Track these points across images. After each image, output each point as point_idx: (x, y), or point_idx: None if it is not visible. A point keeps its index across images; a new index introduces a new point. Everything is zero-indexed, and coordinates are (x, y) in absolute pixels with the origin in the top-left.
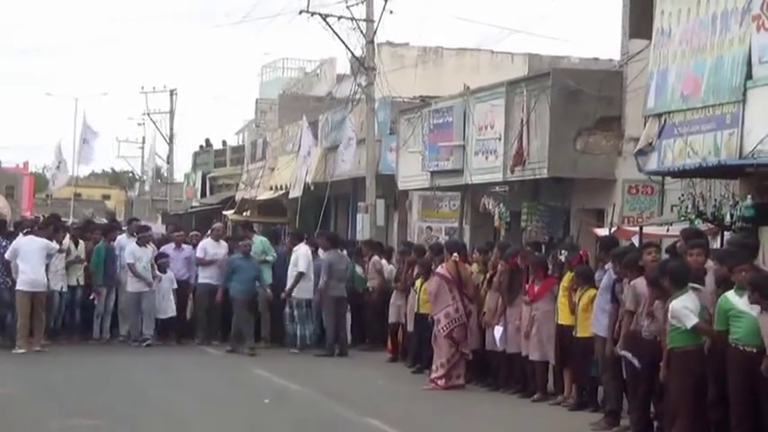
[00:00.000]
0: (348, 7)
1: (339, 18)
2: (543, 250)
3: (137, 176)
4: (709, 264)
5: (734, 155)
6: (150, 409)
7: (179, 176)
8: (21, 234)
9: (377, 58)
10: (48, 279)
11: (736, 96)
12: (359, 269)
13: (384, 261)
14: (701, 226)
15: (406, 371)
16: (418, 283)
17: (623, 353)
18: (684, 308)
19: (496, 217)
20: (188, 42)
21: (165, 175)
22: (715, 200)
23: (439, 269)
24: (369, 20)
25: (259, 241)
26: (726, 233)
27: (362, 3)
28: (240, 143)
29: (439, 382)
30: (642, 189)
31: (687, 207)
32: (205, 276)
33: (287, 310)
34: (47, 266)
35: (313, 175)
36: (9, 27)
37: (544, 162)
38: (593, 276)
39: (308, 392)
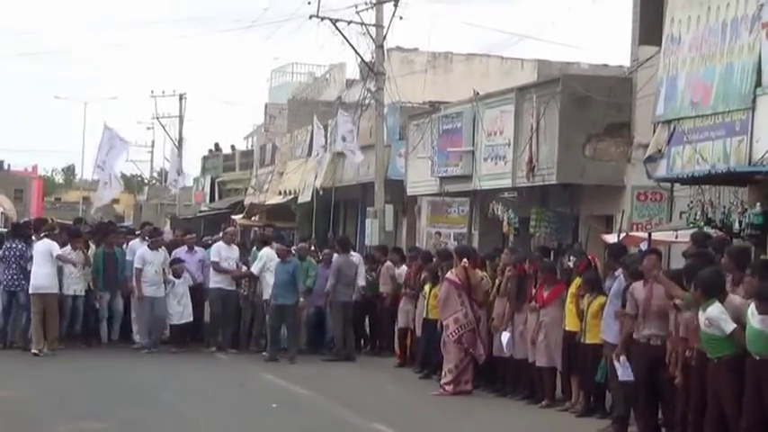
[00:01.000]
0: (358, 12)
1: (349, 23)
2: (552, 256)
3: (145, 180)
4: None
5: (743, 162)
6: (157, 413)
7: (188, 181)
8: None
9: (386, 63)
10: (61, 283)
11: (745, 103)
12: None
13: (398, 267)
14: (710, 233)
15: (413, 376)
16: (427, 288)
17: (617, 361)
18: (722, 313)
19: (505, 223)
20: (197, 47)
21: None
22: (724, 207)
23: (448, 275)
24: (378, 25)
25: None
26: (734, 240)
27: (372, 8)
28: (249, 148)
29: (447, 387)
30: (651, 196)
31: (696, 214)
32: (217, 281)
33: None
34: (60, 270)
35: (322, 180)
36: (19, 31)
37: (553, 168)
38: (600, 283)
39: (315, 397)
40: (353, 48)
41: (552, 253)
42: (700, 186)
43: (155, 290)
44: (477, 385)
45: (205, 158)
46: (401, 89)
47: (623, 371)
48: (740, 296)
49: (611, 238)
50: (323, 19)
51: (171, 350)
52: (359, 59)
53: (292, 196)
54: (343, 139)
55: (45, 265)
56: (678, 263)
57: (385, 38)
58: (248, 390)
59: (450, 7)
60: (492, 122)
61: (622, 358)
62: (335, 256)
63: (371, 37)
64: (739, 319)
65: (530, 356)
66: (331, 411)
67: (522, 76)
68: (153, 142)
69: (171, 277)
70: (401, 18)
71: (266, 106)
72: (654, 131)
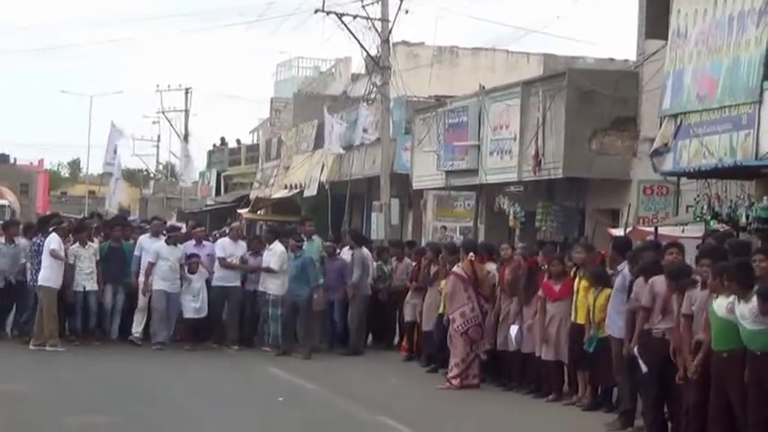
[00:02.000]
0: (363, 6)
1: (354, 17)
2: (558, 250)
3: (151, 174)
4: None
5: (750, 156)
6: (163, 406)
7: (194, 175)
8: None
9: (392, 57)
10: (72, 278)
11: (752, 97)
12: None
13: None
14: (717, 227)
15: (420, 370)
16: (443, 283)
17: (636, 353)
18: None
19: (511, 217)
20: (203, 41)
21: (180, 173)
22: (731, 201)
23: (455, 269)
24: (384, 19)
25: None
26: (741, 234)
27: (378, 2)
28: (255, 142)
29: (453, 381)
30: (657, 190)
31: (702, 208)
32: (220, 277)
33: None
34: (72, 265)
35: (328, 174)
36: (24, 26)
37: (559, 162)
38: (607, 277)
39: (321, 391)
40: (359, 42)
41: (558, 247)
42: (706, 180)
43: (169, 285)
44: (483, 379)
45: (211, 153)
46: (407, 83)
47: (640, 364)
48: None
49: (618, 232)
50: (328, 13)
51: (185, 347)
52: (364, 54)
53: (298, 190)
54: (365, 130)
55: (46, 258)
56: (689, 257)
57: (390, 32)
58: (254, 383)
59: (456, 1)
60: (498, 116)
61: (636, 351)
62: (353, 249)
63: (377, 31)
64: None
65: (537, 350)
66: (336, 405)
67: (527, 70)
68: (159, 136)
69: (187, 274)
70: (407, 12)
71: (272, 100)
72: (660, 125)
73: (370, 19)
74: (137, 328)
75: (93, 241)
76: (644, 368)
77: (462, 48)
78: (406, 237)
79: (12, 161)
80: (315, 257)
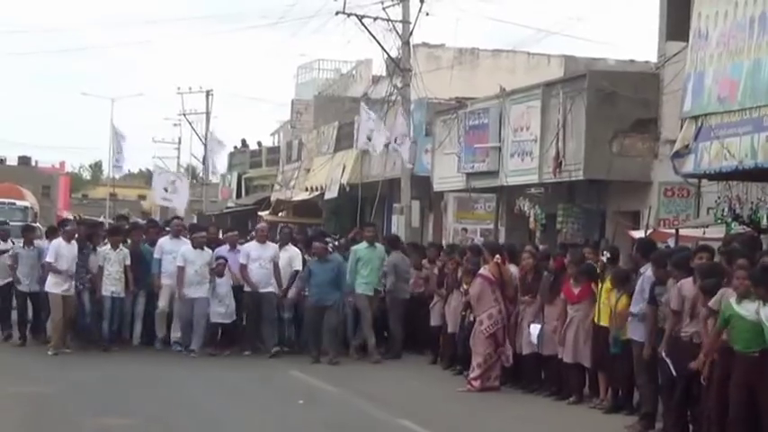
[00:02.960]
0: (384, 9)
1: (375, 19)
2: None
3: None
4: None
5: None
6: (183, 408)
7: (215, 177)
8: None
9: (413, 59)
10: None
11: None
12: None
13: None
14: (738, 229)
15: (443, 373)
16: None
17: (665, 357)
18: None
19: (532, 219)
20: (224, 43)
21: (201, 175)
22: (752, 203)
23: (482, 271)
24: (405, 21)
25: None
26: (762, 236)
27: (398, 4)
28: (276, 144)
29: (474, 383)
30: (678, 192)
31: (723, 210)
32: (250, 283)
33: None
34: (101, 269)
35: (348, 176)
36: (46, 28)
37: (580, 164)
38: (628, 279)
39: (342, 393)
40: (380, 44)
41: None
42: (727, 182)
43: (194, 291)
44: (503, 381)
45: (232, 155)
46: (427, 85)
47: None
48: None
49: (639, 234)
50: (349, 15)
51: (209, 352)
52: (385, 56)
53: (319, 192)
54: (396, 140)
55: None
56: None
57: (411, 34)
58: (274, 386)
59: (477, 3)
60: (518, 118)
61: (662, 354)
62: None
63: (398, 33)
64: None
65: (558, 352)
66: (357, 407)
67: (548, 71)
68: (179, 139)
69: (217, 278)
70: (427, 14)
71: (293, 102)
72: (681, 127)
73: (391, 21)
74: (160, 334)
75: (126, 245)
76: (673, 372)
77: (483, 49)
78: (427, 239)
79: (33, 164)
80: (376, 264)
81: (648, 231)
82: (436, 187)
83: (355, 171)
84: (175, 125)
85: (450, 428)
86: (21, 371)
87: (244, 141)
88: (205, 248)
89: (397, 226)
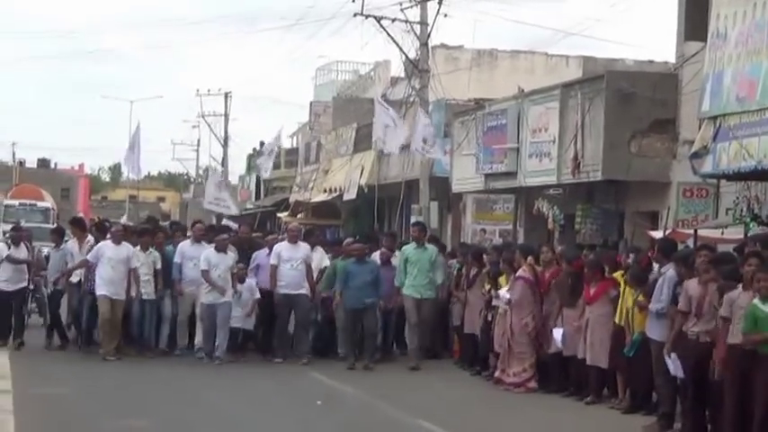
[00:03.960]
0: (402, 10)
1: (393, 20)
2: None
3: (191, 179)
4: None
5: None
6: (201, 411)
7: (234, 179)
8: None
9: (431, 60)
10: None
11: None
12: None
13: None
14: (756, 229)
15: (463, 374)
16: (487, 286)
17: (668, 358)
18: None
19: (550, 219)
20: (242, 45)
21: (220, 177)
22: None
23: (521, 273)
24: (423, 23)
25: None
26: None
27: (417, 5)
28: (294, 146)
29: (529, 384)
30: (697, 192)
31: (742, 210)
32: (281, 285)
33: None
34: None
35: (367, 177)
36: (65, 31)
37: (598, 165)
38: (646, 279)
39: (361, 395)
40: (398, 45)
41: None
42: (746, 182)
43: (217, 296)
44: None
45: (250, 156)
46: (446, 86)
47: (674, 367)
48: None
49: (657, 235)
50: (367, 17)
51: (231, 359)
52: (403, 57)
53: (337, 194)
54: (425, 141)
55: (99, 267)
56: None
57: (429, 35)
58: (294, 387)
59: (495, 4)
60: (537, 119)
61: (673, 355)
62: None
63: (416, 34)
64: None
65: (579, 353)
66: (377, 408)
67: (567, 72)
68: (198, 141)
69: (239, 286)
70: (445, 15)
71: (311, 104)
72: (699, 127)
73: (409, 22)
74: (182, 342)
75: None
76: (673, 371)
77: (501, 51)
78: (446, 240)
79: (52, 166)
80: (425, 266)
81: (667, 232)
82: (455, 188)
83: (373, 172)
84: (194, 127)
85: (466, 429)
86: (40, 373)
87: (262, 143)
88: (228, 252)
89: None
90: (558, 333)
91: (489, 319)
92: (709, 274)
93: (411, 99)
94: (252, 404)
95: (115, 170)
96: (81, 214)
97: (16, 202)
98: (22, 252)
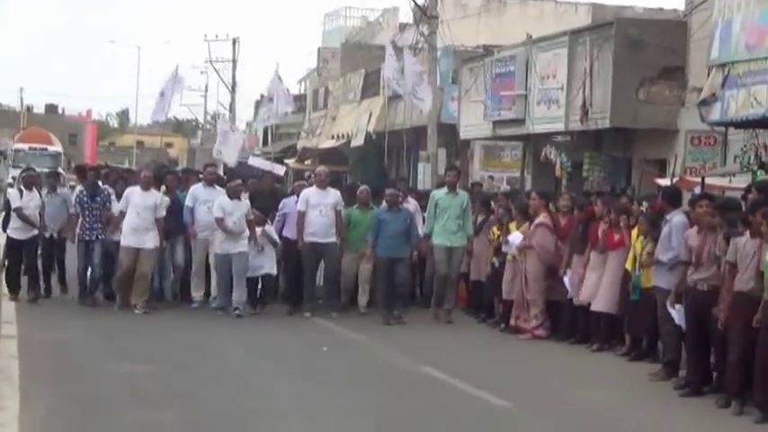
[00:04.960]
0: None
1: None
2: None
3: (199, 125)
4: None
5: None
6: (207, 357)
7: (241, 125)
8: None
9: (440, 6)
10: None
11: None
12: None
13: None
14: (764, 177)
15: (469, 320)
16: (496, 231)
17: (670, 308)
18: None
19: (558, 167)
20: None
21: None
22: None
23: (543, 219)
24: None
25: None
26: None
27: None
28: (302, 92)
29: (537, 332)
30: (705, 140)
31: (750, 158)
32: (309, 233)
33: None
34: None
35: (375, 124)
36: None
37: (606, 112)
38: (659, 225)
39: (367, 341)
40: None
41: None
42: (754, 130)
43: (232, 244)
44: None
45: (258, 103)
46: (454, 33)
47: (678, 316)
48: None
49: (665, 182)
50: None
51: (247, 312)
52: (412, 3)
53: (345, 140)
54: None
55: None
56: None
57: None
58: (300, 333)
59: None
60: (545, 66)
61: (677, 305)
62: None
63: None
64: None
65: (584, 299)
66: (381, 355)
67: (575, 19)
68: (206, 86)
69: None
70: None
71: (319, 50)
72: (708, 75)
73: None
74: (197, 295)
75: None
76: (678, 320)
77: None
78: None
79: (60, 111)
80: (456, 212)
81: (675, 179)
82: (463, 135)
83: (381, 119)
84: (202, 73)
85: (470, 375)
86: (47, 319)
87: (262, 96)
88: (243, 198)
89: (424, 174)
90: (568, 280)
91: (497, 265)
92: (712, 220)
93: (419, 45)
94: (258, 350)
95: (123, 116)
96: (87, 161)
97: (26, 146)
98: (34, 198)
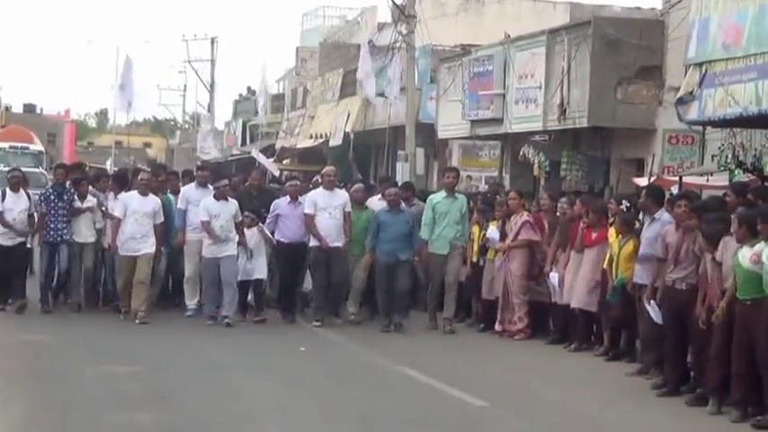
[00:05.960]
0: None
1: None
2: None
3: (178, 124)
4: None
5: None
6: (188, 357)
7: (219, 124)
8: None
9: (418, 5)
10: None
11: None
12: None
13: None
14: (741, 176)
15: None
16: (475, 230)
17: (648, 305)
18: None
19: (536, 166)
20: None
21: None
22: (755, 150)
23: (528, 217)
24: None
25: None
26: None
27: None
28: (280, 91)
29: (528, 331)
30: (682, 139)
31: (727, 157)
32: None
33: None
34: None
35: (353, 123)
36: None
37: (584, 111)
38: (634, 224)
39: (345, 342)
40: None
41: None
42: (731, 129)
43: (220, 248)
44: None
45: (237, 102)
46: (432, 32)
47: (655, 314)
48: None
49: (643, 182)
50: None
51: (237, 319)
52: (390, 2)
53: (323, 140)
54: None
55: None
56: None
57: None
58: (280, 334)
59: None
60: (523, 65)
61: (653, 301)
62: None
63: None
64: None
65: (565, 299)
66: (359, 355)
67: (554, 18)
68: (185, 86)
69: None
70: None
71: (297, 50)
72: (685, 74)
73: None
74: (190, 302)
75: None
76: (654, 317)
77: None
78: (432, 186)
79: (38, 111)
80: (455, 217)
81: (652, 178)
82: (441, 134)
83: (359, 118)
84: (180, 72)
85: (447, 375)
86: (23, 321)
87: (249, 88)
88: (230, 199)
89: (402, 173)
90: (554, 278)
91: (482, 264)
92: (690, 223)
93: (397, 45)
94: (238, 351)
95: (101, 116)
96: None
97: (6, 145)
98: (22, 199)
